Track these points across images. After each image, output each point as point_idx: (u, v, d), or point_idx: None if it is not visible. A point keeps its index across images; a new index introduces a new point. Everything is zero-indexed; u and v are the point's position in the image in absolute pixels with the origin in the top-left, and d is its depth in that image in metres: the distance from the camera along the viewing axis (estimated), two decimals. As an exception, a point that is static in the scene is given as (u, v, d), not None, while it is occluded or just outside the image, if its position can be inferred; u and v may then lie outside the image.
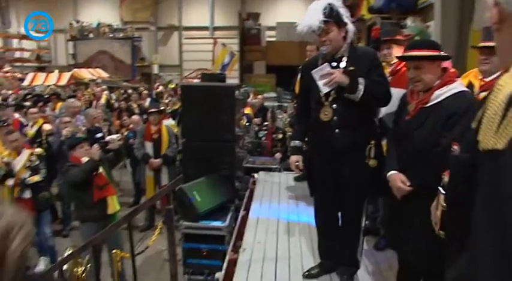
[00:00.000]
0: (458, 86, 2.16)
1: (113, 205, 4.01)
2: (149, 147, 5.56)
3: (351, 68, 2.44)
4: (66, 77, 13.67)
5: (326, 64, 2.46)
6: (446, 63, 2.28)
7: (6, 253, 0.82)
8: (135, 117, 6.77)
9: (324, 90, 2.45)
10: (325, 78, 2.42)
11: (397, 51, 3.33)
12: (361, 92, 2.38)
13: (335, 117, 2.47)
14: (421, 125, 2.13)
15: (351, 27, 2.54)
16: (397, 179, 2.18)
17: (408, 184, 2.15)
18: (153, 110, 5.79)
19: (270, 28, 16.29)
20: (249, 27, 15.68)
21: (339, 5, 2.50)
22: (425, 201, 2.07)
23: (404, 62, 3.24)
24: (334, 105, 2.47)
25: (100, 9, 20.04)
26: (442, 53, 2.21)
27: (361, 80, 2.39)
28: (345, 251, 2.68)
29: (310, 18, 2.44)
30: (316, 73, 2.48)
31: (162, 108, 6.46)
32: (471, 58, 4.92)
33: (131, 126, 6.53)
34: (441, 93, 2.12)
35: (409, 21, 6.88)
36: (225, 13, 19.30)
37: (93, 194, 3.87)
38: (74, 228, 5.54)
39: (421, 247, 2.11)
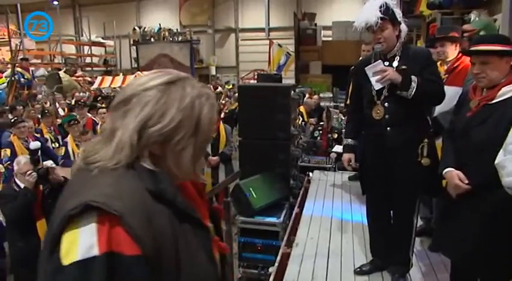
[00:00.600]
0: None
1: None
2: (207, 145, 5.80)
3: (403, 66, 2.46)
4: (130, 79, 14.53)
5: (380, 61, 2.49)
6: None
7: (201, 116, 0.95)
8: None
9: (377, 87, 2.49)
10: (379, 75, 2.45)
11: (451, 49, 3.26)
12: (414, 90, 2.39)
13: (387, 116, 2.49)
14: (483, 122, 2.07)
15: (404, 26, 2.56)
16: (454, 176, 2.13)
17: (466, 182, 2.09)
18: None
19: (326, 28, 16.17)
20: (304, 28, 15.66)
21: (393, 4, 2.53)
22: (482, 202, 2.04)
23: (460, 60, 3.18)
24: (386, 104, 2.50)
25: (160, 15, 20.99)
26: None
27: (414, 78, 2.41)
28: (397, 250, 2.69)
29: (367, 14, 2.48)
30: (369, 70, 2.52)
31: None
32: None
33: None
34: (508, 91, 2.04)
35: (473, 16, 6.59)
36: (281, 14, 19.41)
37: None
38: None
39: (476, 250, 2.06)
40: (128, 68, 20.60)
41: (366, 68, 2.54)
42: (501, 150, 1.85)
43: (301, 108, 7.45)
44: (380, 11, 2.43)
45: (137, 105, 0.92)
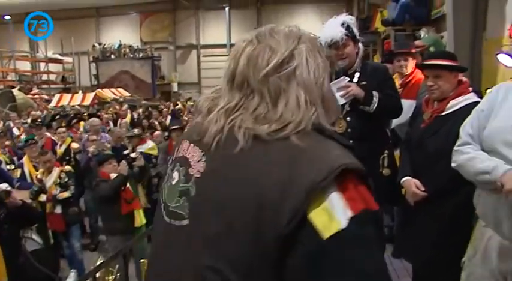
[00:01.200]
0: (472, 96, 2.26)
1: (140, 218, 4.20)
2: None
3: (363, 82, 2.57)
4: (90, 97, 14.17)
5: (344, 77, 2.58)
6: (461, 75, 2.38)
7: None
8: (157, 133, 7.00)
9: (340, 102, 2.58)
10: (343, 90, 2.54)
11: (411, 63, 3.45)
12: (375, 105, 2.50)
13: (349, 130, 2.58)
14: (436, 133, 2.22)
15: (360, 44, 2.68)
16: (412, 184, 2.25)
17: (423, 189, 2.21)
18: (175, 127, 6.00)
19: (286, 43, 16.57)
20: (265, 44, 15.96)
21: (353, 22, 2.65)
22: (438, 208, 2.16)
23: (413, 75, 3.38)
24: (348, 118, 2.59)
25: (121, 31, 20.80)
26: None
27: (375, 93, 2.52)
28: None
29: (332, 31, 2.57)
30: (333, 85, 2.60)
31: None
32: (486, 67, 4.99)
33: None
34: (456, 103, 2.22)
35: (422, 32, 6.99)
36: (242, 30, 19.68)
37: (121, 207, 4.07)
38: (101, 242, 5.75)
39: (434, 254, 2.16)
40: (87, 86, 20.14)
41: (331, 83, 2.62)
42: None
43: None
44: (342, 29, 2.54)
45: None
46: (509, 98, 1.70)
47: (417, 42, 6.62)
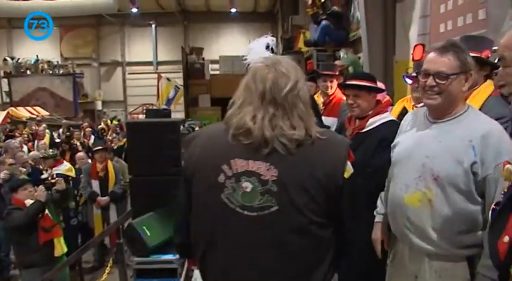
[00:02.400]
0: (388, 115, 2.50)
1: (60, 247, 3.94)
2: (96, 185, 5.50)
3: None
4: (1, 115, 13.09)
5: None
6: (380, 96, 2.61)
7: None
8: (80, 154, 6.66)
9: None
10: None
11: (336, 84, 3.70)
12: None
13: None
14: (356, 148, 2.35)
15: None
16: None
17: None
18: (98, 147, 5.77)
19: (213, 62, 16.69)
20: (192, 62, 15.95)
21: (274, 44, 2.76)
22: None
23: (334, 95, 3.61)
24: None
25: (38, 45, 19.40)
26: (380, 85, 2.56)
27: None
28: None
29: (259, 51, 2.64)
30: None
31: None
32: (397, 86, 5.44)
33: (77, 165, 6.41)
34: (374, 121, 2.42)
35: (342, 53, 7.47)
36: (168, 48, 19.53)
37: (39, 237, 3.79)
38: (13, 278, 5.28)
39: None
40: (-2, 103, 18.60)
41: None
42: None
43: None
44: (267, 49, 2.63)
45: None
46: (412, 125, 1.87)
47: (337, 62, 7.06)
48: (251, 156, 1.30)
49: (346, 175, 1.34)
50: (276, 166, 1.29)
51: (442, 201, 1.64)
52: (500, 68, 1.12)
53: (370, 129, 2.42)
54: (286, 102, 1.31)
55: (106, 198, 5.41)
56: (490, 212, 1.21)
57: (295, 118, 1.30)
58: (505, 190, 1.19)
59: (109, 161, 5.72)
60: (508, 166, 1.23)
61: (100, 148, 5.76)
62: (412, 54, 4.34)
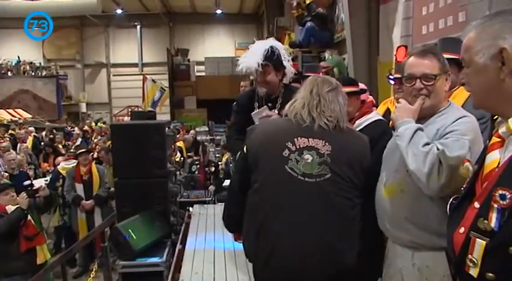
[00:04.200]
0: (374, 115, 2.50)
1: (43, 254, 3.85)
2: (80, 189, 5.43)
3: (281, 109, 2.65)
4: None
5: (265, 107, 2.60)
6: (364, 96, 2.62)
7: None
8: (59, 158, 6.57)
9: None
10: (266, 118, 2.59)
11: None
12: None
13: None
14: None
15: (290, 69, 2.73)
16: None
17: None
18: (81, 150, 5.70)
19: (199, 63, 16.67)
20: (178, 63, 15.92)
21: (280, 48, 2.70)
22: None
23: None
24: None
25: (19, 46, 19.03)
26: (361, 86, 2.57)
27: None
28: None
29: (249, 59, 2.59)
30: (255, 116, 2.63)
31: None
32: (381, 86, 5.51)
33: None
34: (361, 123, 2.42)
35: (327, 54, 7.52)
36: (154, 49, 19.42)
37: (20, 244, 3.69)
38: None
39: None
40: (-23, 106, 18.19)
41: (252, 114, 2.64)
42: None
43: (181, 144, 7.49)
44: (265, 55, 2.57)
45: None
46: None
47: (322, 64, 7.11)
48: (311, 135, 1.72)
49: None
50: (330, 143, 1.71)
51: (413, 191, 1.67)
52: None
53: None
54: (327, 97, 1.78)
55: (90, 202, 5.34)
56: (448, 206, 1.25)
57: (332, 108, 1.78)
58: (464, 186, 1.22)
59: (93, 164, 5.65)
60: (466, 163, 1.28)
61: (83, 150, 5.68)
62: (395, 55, 4.40)
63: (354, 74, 5.94)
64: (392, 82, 3.06)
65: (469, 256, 1.04)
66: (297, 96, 1.85)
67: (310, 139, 1.72)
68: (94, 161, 5.93)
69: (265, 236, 1.73)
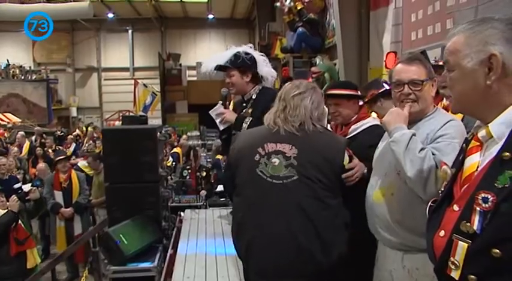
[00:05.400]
0: (371, 120, 2.54)
1: (33, 258, 3.84)
2: (59, 196, 5.35)
3: (250, 109, 2.73)
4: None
5: (219, 104, 2.74)
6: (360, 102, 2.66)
7: None
8: (41, 165, 6.50)
9: (220, 127, 2.73)
10: (219, 117, 2.69)
11: None
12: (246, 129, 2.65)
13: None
14: None
15: (268, 72, 2.86)
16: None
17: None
18: (60, 157, 5.63)
19: (190, 68, 16.66)
20: (169, 68, 15.90)
21: (250, 52, 2.81)
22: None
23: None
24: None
25: (8, 50, 18.85)
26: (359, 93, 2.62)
27: (246, 120, 2.67)
28: None
29: (210, 61, 2.76)
30: (212, 112, 2.76)
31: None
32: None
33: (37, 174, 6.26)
34: (357, 128, 2.47)
35: (317, 60, 7.57)
36: (145, 54, 19.38)
37: (10, 248, 3.68)
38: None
39: None
40: (-35, 110, 17.93)
41: (210, 112, 2.78)
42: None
43: (178, 150, 7.50)
44: (230, 59, 2.71)
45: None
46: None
47: (313, 69, 7.17)
48: (278, 139, 1.83)
49: (345, 163, 1.86)
50: (296, 147, 1.80)
51: (403, 194, 1.72)
52: (445, 71, 1.21)
53: (353, 136, 2.47)
54: (292, 102, 1.88)
55: (69, 209, 5.27)
56: (427, 209, 1.27)
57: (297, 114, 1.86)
58: (442, 189, 1.24)
59: (73, 171, 5.58)
60: (444, 167, 1.30)
61: (62, 157, 5.61)
62: (385, 61, 4.47)
63: (344, 79, 5.99)
64: (386, 87, 3.10)
65: (451, 258, 1.05)
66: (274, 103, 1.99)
67: (278, 144, 1.83)
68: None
69: (242, 237, 1.87)
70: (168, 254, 4.01)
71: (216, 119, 2.68)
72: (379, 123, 2.64)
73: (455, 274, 1.04)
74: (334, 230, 1.78)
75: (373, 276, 1.98)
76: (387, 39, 5.10)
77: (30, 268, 3.77)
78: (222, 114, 2.69)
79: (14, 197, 3.82)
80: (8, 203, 3.78)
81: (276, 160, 1.81)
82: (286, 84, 2.00)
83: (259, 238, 1.81)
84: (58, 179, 5.40)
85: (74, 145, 10.58)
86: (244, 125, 2.63)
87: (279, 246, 1.77)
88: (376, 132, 2.34)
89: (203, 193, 5.92)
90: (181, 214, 5.20)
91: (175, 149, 8.34)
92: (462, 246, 1.03)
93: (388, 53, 4.37)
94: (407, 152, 1.61)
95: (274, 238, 1.78)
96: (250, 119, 2.66)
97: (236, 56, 2.73)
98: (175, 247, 4.17)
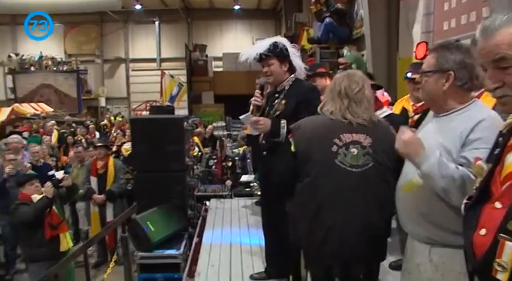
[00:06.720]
0: (386, 110, 2.57)
1: (66, 242, 3.97)
2: (94, 182, 5.45)
3: (283, 101, 2.72)
4: (5, 112, 13.10)
5: (248, 114, 2.72)
6: (380, 95, 2.62)
7: None
8: (72, 153, 6.68)
9: (254, 132, 2.72)
10: (253, 126, 2.66)
11: (321, 82, 3.68)
12: (284, 136, 2.59)
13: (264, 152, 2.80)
14: None
15: (299, 64, 2.83)
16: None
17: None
18: (99, 144, 5.75)
19: (217, 58, 16.70)
20: (196, 58, 15.97)
21: (285, 43, 2.80)
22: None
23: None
24: (264, 153, 2.78)
25: (42, 42, 19.32)
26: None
27: (282, 124, 2.61)
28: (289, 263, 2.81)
29: (252, 49, 2.74)
30: (244, 119, 2.74)
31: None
32: (400, 83, 5.45)
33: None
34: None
35: (345, 51, 7.45)
36: (172, 45, 19.55)
37: (45, 232, 3.82)
38: (19, 271, 5.33)
39: None
40: (2, 99, 18.63)
41: (240, 117, 2.77)
42: None
43: (196, 139, 7.55)
44: (268, 48, 2.69)
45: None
46: (426, 121, 1.93)
47: (340, 60, 7.06)
48: (353, 130, 1.95)
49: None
50: (369, 136, 1.95)
51: (430, 188, 1.66)
52: (490, 70, 1.12)
53: None
54: (356, 98, 1.99)
55: (102, 196, 5.35)
56: (463, 207, 1.22)
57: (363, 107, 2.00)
58: (477, 185, 1.18)
59: (110, 159, 5.67)
60: (478, 162, 1.23)
61: (101, 144, 5.72)
62: (415, 51, 4.35)
63: (372, 70, 5.88)
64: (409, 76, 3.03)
65: (497, 259, 0.99)
66: (327, 97, 2.06)
67: (353, 134, 1.96)
68: (113, 155, 6.00)
69: (321, 223, 1.94)
70: (194, 242, 4.09)
71: (250, 127, 2.66)
72: (393, 112, 2.62)
73: (502, 277, 0.98)
74: (391, 207, 1.94)
75: (402, 268, 1.97)
76: (418, 29, 4.97)
77: (62, 251, 3.91)
78: (256, 122, 2.60)
79: (48, 183, 3.95)
80: (42, 189, 3.92)
81: (354, 150, 1.94)
82: (339, 77, 2.06)
83: (340, 224, 1.93)
84: (95, 165, 5.52)
85: (97, 133, 10.81)
86: (283, 131, 2.58)
87: (358, 227, 1.94)
88: (393, 121, 2.33)
89: (228, 182, 5.98)
90: (207, 203, 5.28)
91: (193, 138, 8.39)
92: (511, 246, 0.97)
93: (418, 43, 4.25)
94: (443, 183, 1.56)
95: (353, 223, 1.93)
96: (285, 121, 2.61)
97: (275, 45, 2.71)
98: (200, 236, 4.24)
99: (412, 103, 3.12)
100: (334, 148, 1.94)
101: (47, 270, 3.44)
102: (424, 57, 3.57)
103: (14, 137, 6.51)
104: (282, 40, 2.78)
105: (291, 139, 2.08)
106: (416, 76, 2.44)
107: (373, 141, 1.96)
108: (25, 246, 4.15)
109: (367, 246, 1.99)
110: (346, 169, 1.94)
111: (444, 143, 1.67)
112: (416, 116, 2.87)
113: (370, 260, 2.06)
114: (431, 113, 1.90)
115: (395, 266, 3.10)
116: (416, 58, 4.17)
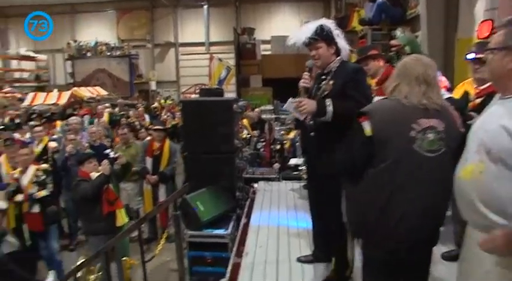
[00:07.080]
0: (444, 93, 2.46)
1: (122, 217, 4.18)
2: (149, 162, 5.69)
3: (331, 82, 2.67)
4: (65, 95, 13.86)
5: (290, 100, 2.68)
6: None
7: None
8: (142, 133, 6.96)
9: (300, 117, 2.70)
10: (297, 111, 2.63)
11: (375, 64, 3.57)
12: (331, 113, 2.56)
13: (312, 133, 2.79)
14: None
15: (344, 46, 2.80)
16: None
17: None
18: (158, 127, 5.97)
19: (265, 42, 16.61)
20: (244, 42, 15.97)
21: (330, 26, 2.76)
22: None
23: (385, 73, 3.50)
24: (312, 133, 2.77)
25: (97, 29, 20.35)
26: None
27: (328, 102, 2.57)
28: (334, 246, 2.82)
29: (300, 33, 2.73)
30: (287, 106, 2.72)
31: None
32: (458, 65, 5.17)
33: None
34: None
35: (398, 32, 7.14)
36: (220, 28, 19.65)
37: (103, 207, 4.04)
38: (80, 242, 5.70)
39: None
40: (62, 84, 19.70)
41: (284, 107, 2.77)
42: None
43: (244, 122, 7.61)
44: (315, 31, 2.67)
45: None
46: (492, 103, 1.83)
47: (392, 42, 6.79)
48: (429, 115, 1.96)
49: None
50: (443, 121, 1.97)
51: (492, 174, 1.60)
52: None
53: None
54: (432, 83, 2.02)
55: (155, 177, 5.58)
56: None
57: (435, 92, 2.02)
58: None
59: (166, 142, 5.83)
60: None
61: (160, 127, 5.94)
62: (478, 31, 4.09)
63: (428, 52, 5.61)
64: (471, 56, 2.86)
65: None
66: (400, 79, 2.05)
67: (429, 119, 1.96)
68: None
69: (396, 207, 1.97)
70: (242, 224, 4.15)
71: (293, 110, 2.64)
72: (451, 95, 2.48)
73: None
74: (452, 194, 1.91)
75: (459, 257, 1.90)
76: (480, 7, 4.65)
77: (119, 226, 4.12)
78: (299, 106, 2.59)
79: (105, 161, 4.16)
80: (99, 167, 4.13)
81: (430, 135, 1.96)
82: (411, 62, 2.07)
83: (414, 208, 1.97)
84: (152, 146, 5.74)
85: (147, 116, 11.14)
86: (329, 109, 2.55)
87: (426, 214, 2.00)
88: (457, 104, 2.36)
89: (277, 165, 5.99)
90: (255, 185, 5.32)
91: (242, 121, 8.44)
92: None
93: (482, 22, 3.98)
94: None
95: (425, 208, 1.98)
96: (331, 100, 2.59)
97: (321, 28, 2.69)
98: (248, 217, 4.30)
99: (476, 86, 2.95)
100: (412, 133, 1.94)
101: (105, 243, 3.63)
102: (489, 36, 3.35)
103: (74, 118, 6.88)
104: (327, 22, 2.75)
105: (363, 123, 1.99)
106: (482, 56, 2.31)
107: (446, 126, 1.98)
108: (85, 220, 4.42)
109: (431, 231, 2.06)
110: (422, 154, 1.95)
111: (508, 127, 1.57)
112: (479, 100, 2.71)
113: (431, 244, 2.11)
114: (497, 95, 1.79)
115: (448, 257, 3.00)
116: (478, 38, 3.92)
